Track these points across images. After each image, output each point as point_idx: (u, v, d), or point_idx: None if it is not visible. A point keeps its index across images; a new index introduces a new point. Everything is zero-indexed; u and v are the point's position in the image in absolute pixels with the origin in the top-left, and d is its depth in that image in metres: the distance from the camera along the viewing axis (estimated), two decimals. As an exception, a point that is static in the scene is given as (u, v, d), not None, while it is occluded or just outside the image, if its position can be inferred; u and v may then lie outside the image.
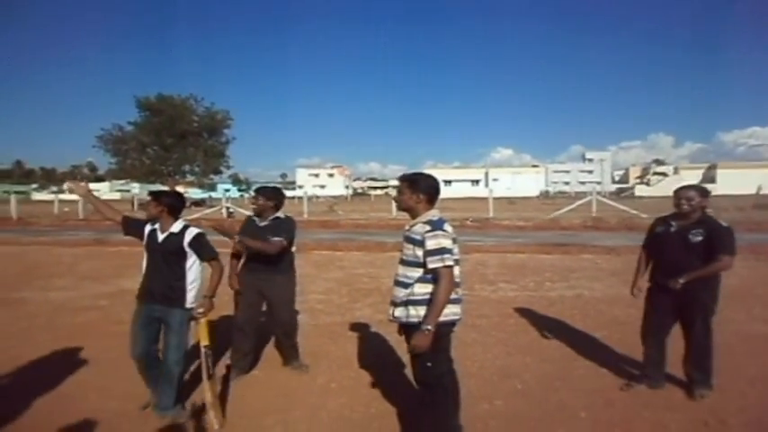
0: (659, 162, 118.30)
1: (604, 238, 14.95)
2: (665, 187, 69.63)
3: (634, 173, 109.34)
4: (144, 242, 3.72)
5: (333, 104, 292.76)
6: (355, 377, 4.38)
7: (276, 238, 4.29)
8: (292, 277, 4.55)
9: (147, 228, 3.73)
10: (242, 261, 4.64)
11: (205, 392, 3.55)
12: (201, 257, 3.69)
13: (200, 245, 3.65)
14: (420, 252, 2.89)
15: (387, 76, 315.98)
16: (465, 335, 5.48)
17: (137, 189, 70.71)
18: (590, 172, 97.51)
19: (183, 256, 3.62)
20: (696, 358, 3.93)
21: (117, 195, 75.75)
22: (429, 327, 2.80)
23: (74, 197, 34.11)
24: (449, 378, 3.13)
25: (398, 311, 3.02)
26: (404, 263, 3.02)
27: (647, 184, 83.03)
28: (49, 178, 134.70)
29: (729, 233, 3.80)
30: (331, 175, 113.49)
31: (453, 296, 2.93)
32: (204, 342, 3.63)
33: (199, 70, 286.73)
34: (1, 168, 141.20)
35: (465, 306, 3.18)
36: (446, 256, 2.84)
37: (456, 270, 2.92)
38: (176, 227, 3.64)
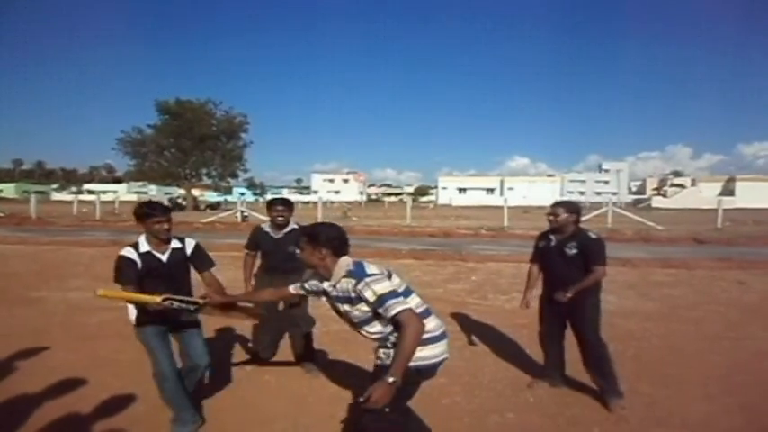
0: (677, 174, 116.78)
1: (620, 249, 14.76)
2: (682, 199, 68.91)
3: (651, 184, 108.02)
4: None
5: (350, 110, 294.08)
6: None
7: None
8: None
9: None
10: (258, 265, 4.72)
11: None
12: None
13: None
14: (366, 307, 2.56)
15: (405, 83, 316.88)
16: (476, 347, 5.45)
17: (153, 191, 71.51)
18: (606, 182, 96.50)
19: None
20: (597, 368, 4.03)
21: (134, 197, 76.60)
22: (395, 378, 2.36)
23: (92, 198, 34.36)
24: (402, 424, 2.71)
25: (381, 353, 2.68)
26: (354, 325, 2.68)
27: (664, 195, 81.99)
28: (69, 179, 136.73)
29: (599, 244, 4.05)
30: (346, 181, 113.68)
31: (432, 333, 2.59)
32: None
33: (217, 74, 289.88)
34: (23, 168, 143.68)
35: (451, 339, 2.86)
36: (394, 300, 2.48)
37: (413, 300, 2.63)
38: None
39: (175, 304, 3.14)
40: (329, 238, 2.68)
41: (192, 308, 3.26)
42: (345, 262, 2.66)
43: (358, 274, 2.57)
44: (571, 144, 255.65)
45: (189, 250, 3.55)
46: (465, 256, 12.95)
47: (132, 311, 3.41)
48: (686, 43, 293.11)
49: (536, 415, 3.81)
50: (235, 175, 53.55)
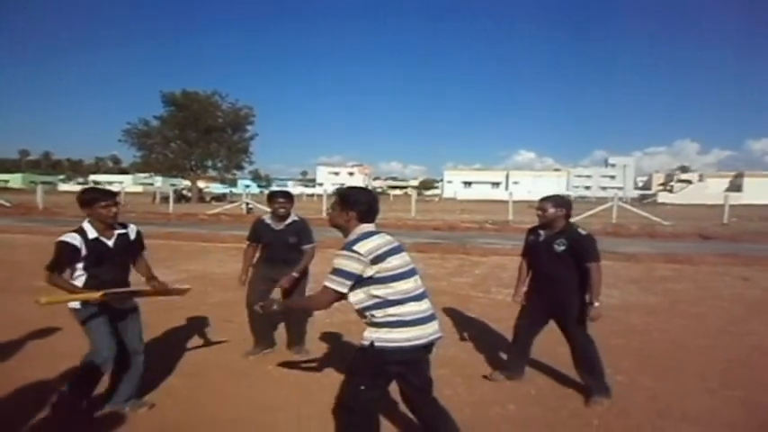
0: (684, 169, 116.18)
1: (624, 244, 14.74)
2: (688, 195, 68.54)
3: (657, 179, 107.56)
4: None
5: (356, 103, 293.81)
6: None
7: (307, 246, 4.70)
8: (306, 270, 4.78)
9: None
10: (257, 256, 4.78)
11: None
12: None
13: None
14: None
15: (411, 77, 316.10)
16: (480, 338, 5.48)
17: (159, 182, 71.71)
18: (612, 177, 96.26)
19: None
20: (585, 366, 4.00)
21: (139, 188, 76.97)
22: (278, 307, 2.92)
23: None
24: (371, 408, 2.77)
25: (365, 333, 2.72)
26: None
27: (671, 191, 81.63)
28: (76, 170, 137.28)
29: (590, 240, 3.94)
30: (351, 174, 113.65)
31: (393, 319, 2.60)
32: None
33: (223, 67, 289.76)
34: (29, 159, 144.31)
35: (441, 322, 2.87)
36: (335, 277, 2.58)
37: (405, 284, 2.65)
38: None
39: (112, 296, 3.25)
40: (358, 201, 2.74)
41: (130, 298, 3.43)
42: (360, 230, 2.72)
43: (349, 243, 2.65)
44: (577, 139, 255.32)
45: (133, 236, 3.62)
46: (469, 249, 12.98)
47: None
48: (695, 38, 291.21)
49: (537, 407, 3.84)
50: (240, 167, 53.57)
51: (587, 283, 3.86)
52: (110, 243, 3.41)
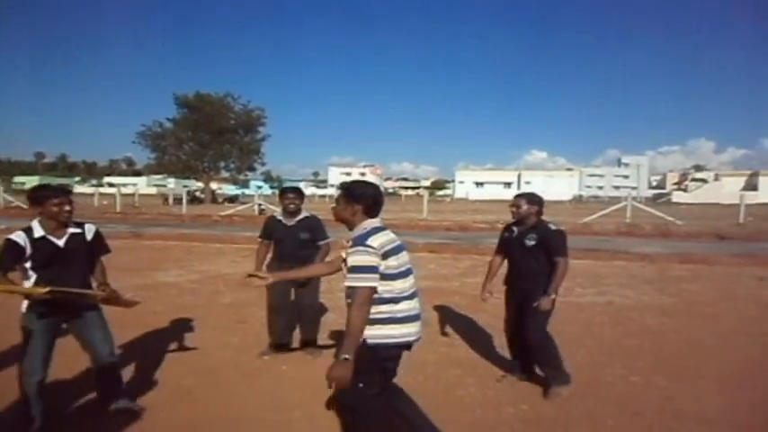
0: (699, 168, 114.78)
1: (638, 244, 14.63)
2: (703, 194, 67.71)
3: (672, 178, 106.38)
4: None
5: (367, 103, 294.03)
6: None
7: (322, 242, 4.75)
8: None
9: None
10: (271, 255, 4.83)
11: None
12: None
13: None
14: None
15: (422, 77, 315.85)
16: (491, 339, 5.47)
17: (172, 184, 72.26)
18: (626, 177, 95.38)
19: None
20: (539, 356, 4.09)
21: (153, 190, 77.56)
22: (347, 356, 2.44)
23: (113, 191, 34.78)
24: (375, 402, 2.73)
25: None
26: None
27: (685, 190, 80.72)
28: (91, 172, 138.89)
29: (559, 235, 4.07)
30: (363, 174, 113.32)
31: (399, 314, 2.64)
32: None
33: (235, 68, 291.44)
34: (46, 162, 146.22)
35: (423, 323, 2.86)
36: (360, 275, 2.52)
37: (401, 284, 2.65)
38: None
39: (58, 296, 3.02)
40: (363, 195, 2.74)
41: (82, 300, 3.24)
42: (367, 224, 2.71)
43: (359, 239, 2.62)
44: (590, 138, 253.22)
45: (90, 236, 3.40)
46: (482, 249, 12.94)
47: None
48: (710, 36, 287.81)
49: (550, 407, 3.83)
50: (252, 168, 53.89)
51: (555, 278, 3.96)
52: (60, 243, 3.21)
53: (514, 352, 4.38)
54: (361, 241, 2.60)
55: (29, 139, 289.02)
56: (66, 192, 3.27)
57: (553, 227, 4.13)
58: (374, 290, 2.56)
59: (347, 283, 2.58)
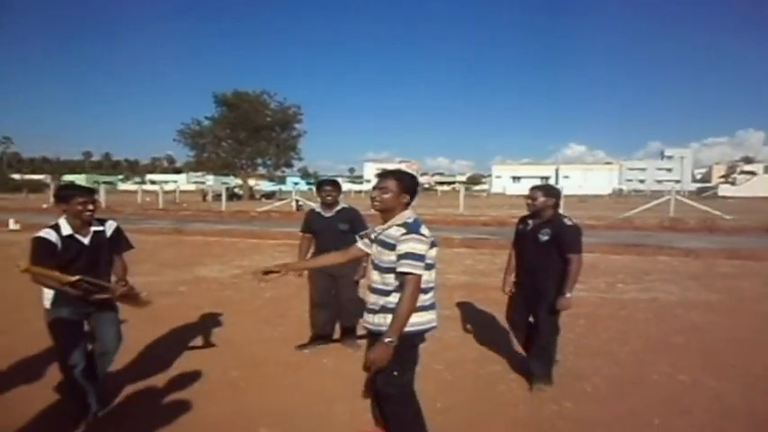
0: (748, 160, 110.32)
1: (683, 239, 14.20)
2: (752, 187, 64.99)
3: (718, 171, 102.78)
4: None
5: (403, 99, 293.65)
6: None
7: (362, 233, 4.69)
8: (360, 261, 4.79)
9: None
10: (312, 250, 4.91)
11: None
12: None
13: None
14: (394, 256, 2.66)
15: (458, 71, 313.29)
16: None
17: (211, 181, 73.77)
18: (669, 170, 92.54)
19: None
20: (538, 352, 4.03)
21: (193, 186, 79.39)
22: (392, 339, 2.55)
23: (155, 188, 35.85)
24: (412, 390, 2.87)
25: (377, 318, 2.76)
26: (380, 269, 2.75)
27: (733, 183, 77.72)
28: (133, 169, 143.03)
29: (573, 231, 3.93)
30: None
31: (427, 302, 2.74)
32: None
33: (272, 65, 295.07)
34: (92, 160, 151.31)
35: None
36: (416, 262, 2.59)
37: (429, 275, 2.72)
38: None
39: (84, 285, 3.11)
40: (412, 184, 2.79)
41: (102, 295, 3.26)
42: (410, 212, 2.77)
43: (413, 227, 2.67)
44: (631, 130, 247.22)
45: (109, 232, 3.49)
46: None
47: (48, 294, 3.29)
48: (758, 22, 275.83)
49: (593, 405, 3.77)
50: (289, 165, 54.60)
51: (569, 276, 3.85)
52: (85, 241, 3.33)
53: (523, 346, 4.34)
54: (416, 229, 2.66)
55: (77, 139, 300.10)
56: (90, 191, 3.39)
57: (569, 222, 4.00)
58: (420, 278, 2.63)
59: (403, 269, 2.60)
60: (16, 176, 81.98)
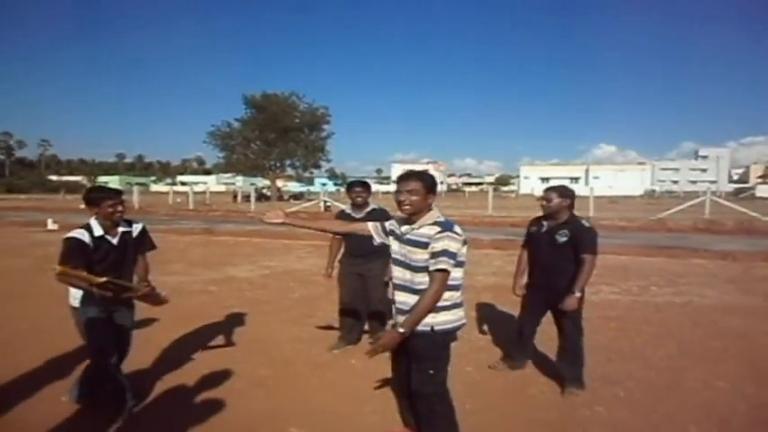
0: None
1: (719, 242, 13.83)
2: (792, 188, 62.89)
3: (756, 171, 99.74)
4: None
5: (430, 99, 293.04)
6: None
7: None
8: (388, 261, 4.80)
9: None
10: (342, 250, 4.93)
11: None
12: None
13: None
14: (427, 255, 2.67)
15: (485, 71, 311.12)
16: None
17: (240, 182, 74.78)
18: (704, 170, 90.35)
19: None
20: (569, 357, 4.02)
21: (222, 188, 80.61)
22: (405, 330, 2.64)
23: (185, 189, 36.55)
24: (447, 389, 2.91)
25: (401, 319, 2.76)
26: (411, 268, 2.74)
27: (772, 184, 75.25)
28: (165, 171, 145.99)
29: (591, 233, 3.94)
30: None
31: (458, 300, 2.78)
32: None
33: (300, 67, 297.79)
34: (126, 162, 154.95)
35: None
36: (450, 259, 2.63)
37: (459, 273, 2.74)
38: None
39: (110, 286, 3.20)
40: (434, 184, 2.83)
41: (129, 294, 3.37)
42: (437, 212, 2.80)
43: (447, 226, 2.71)
44: (663, 130, 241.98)
45: (135, 233, 3.59)
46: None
47: (76, 294, 3.42)
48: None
49: (627, 410, 3.69)
50: (317, 166, 54.95)
51: (581, 275, 3.85)
52: (114, 241, 3.44)
53: (520, 343, 4.37)
54: (450, 227, 2.70)
55: (111, 141, 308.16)
56: (118, 193, 3.49)
57: (586, 223, 4.02)
58: (448, 273, 2.67)
59: (439, 266, 2.63)
60: (54, 178, 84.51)
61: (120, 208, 3.41)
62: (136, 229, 3.62)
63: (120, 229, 3.49)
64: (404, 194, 2.75)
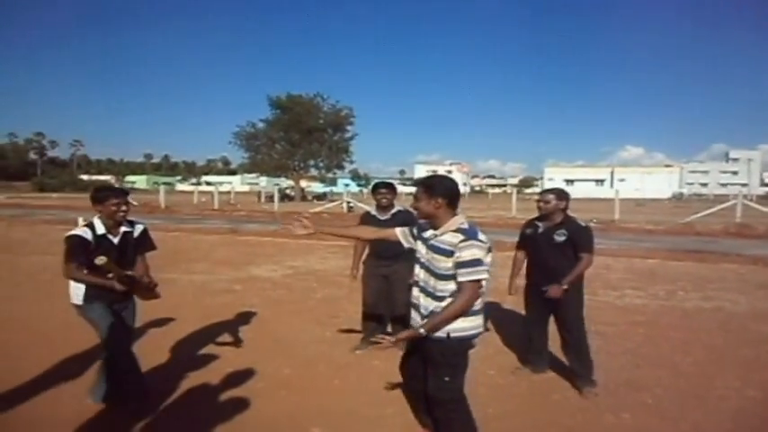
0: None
1: (750, 246, 13.47)
2: (827, 191, 61.00)
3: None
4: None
5: (454, 100, 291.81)
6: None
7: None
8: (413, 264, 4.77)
9: None
10: (367, 252, 4.92)
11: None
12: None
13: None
14: (451, 263, 2.66)
15: (509, 72, 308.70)
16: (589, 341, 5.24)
17: (264, 182, 75.44)
18: (734, 173, 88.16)
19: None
20: (576, 353, 4.10)
21: (247, 188, 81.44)
22: (424, 331, 2.68)
23: (210, 189, 36.95)
24: (464, 395, 2.89)
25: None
26: (434, 275, 2.73)
27: (806, 187, 73.15)
28: (190, 171, 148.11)
29: (587, 232, 4.09)
30: (449, 172, 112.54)
31: (477, 307, 2.74)
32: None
33: (324, 68, 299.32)
34: (152, 162, 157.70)
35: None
36: (479, 268, 2.62)
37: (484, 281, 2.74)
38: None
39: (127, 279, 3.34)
40: (445, 188, 2.77)
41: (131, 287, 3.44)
42: (461, 218, 2.77)
43: (470, 233, 2.68)
44: (692, 132, 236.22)
45: (136, 233, 3.63)
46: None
47: (79, 289, 3.44)
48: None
49: (655, 417, 3.61)
50: (341, 167, 55.27)
51: (573, 270, 3.97)
52: (115, 240, 3.47)
53: (536, 348, 4.37)
54: (474, 235, 2.68)
55: (138, 142, 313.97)
56: (124, 193, 3.55)
57: (583, 223, 4.15)
58: (480, 285, 2.66)
59: (469, 278, 2.62)
60: (84, 177, 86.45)
61: (123, 208, 3.46)
62: (137, 229, 3.67)
63: (122, 229, 3.53)
64: (412, 200, 2.87)
